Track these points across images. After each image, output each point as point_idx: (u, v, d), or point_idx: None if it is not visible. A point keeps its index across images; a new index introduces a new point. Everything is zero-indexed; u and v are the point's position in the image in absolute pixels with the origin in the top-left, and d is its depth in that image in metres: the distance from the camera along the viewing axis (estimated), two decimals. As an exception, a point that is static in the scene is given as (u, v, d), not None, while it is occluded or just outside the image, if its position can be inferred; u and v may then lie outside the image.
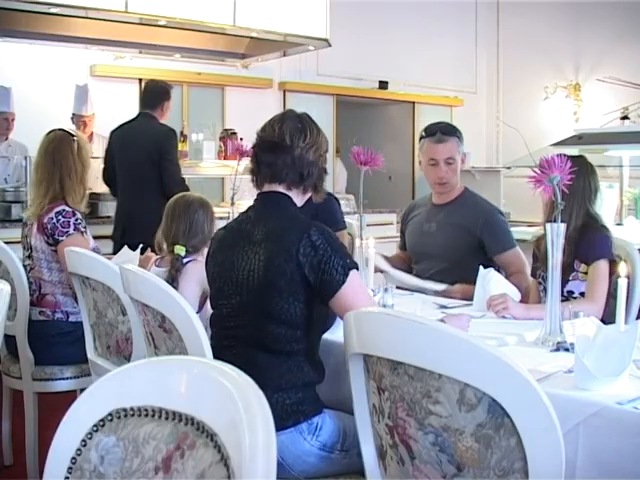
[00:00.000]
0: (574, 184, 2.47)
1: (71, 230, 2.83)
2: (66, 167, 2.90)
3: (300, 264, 1.82)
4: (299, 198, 2.03)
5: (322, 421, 1.88)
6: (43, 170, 2.93)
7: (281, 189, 1.99)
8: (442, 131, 2.96)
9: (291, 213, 1.97)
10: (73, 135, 2.99)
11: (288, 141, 1.96)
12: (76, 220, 2.86)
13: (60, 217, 2.83)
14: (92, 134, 5.25)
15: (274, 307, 1.85)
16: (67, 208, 2.87)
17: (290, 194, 2.00)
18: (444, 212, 3.02)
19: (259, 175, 2.01)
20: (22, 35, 5.31)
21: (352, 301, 1.82)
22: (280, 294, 1.84)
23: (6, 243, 3.04)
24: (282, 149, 1.96)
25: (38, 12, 4.72)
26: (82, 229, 2.87)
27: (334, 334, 2.07)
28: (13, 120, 5.09)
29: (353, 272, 1.86)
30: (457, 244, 2.94)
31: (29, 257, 2.94)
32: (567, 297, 2.50)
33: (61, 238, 2.82)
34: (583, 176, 2.53)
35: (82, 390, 1.11)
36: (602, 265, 2.43)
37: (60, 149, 2.92)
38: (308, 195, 2.06)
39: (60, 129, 3.02)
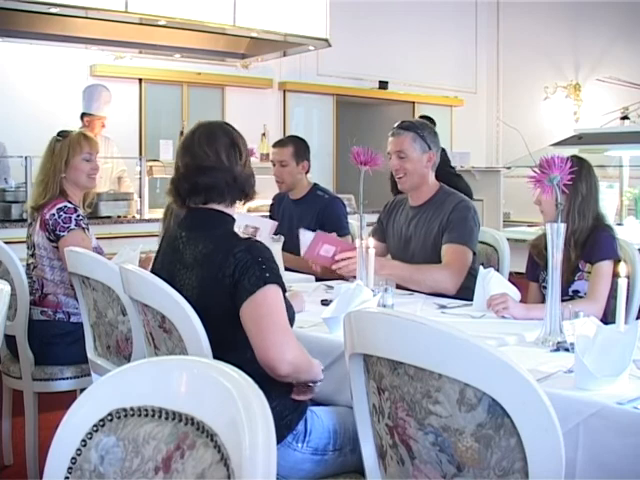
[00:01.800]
0: (586, 185, 2.49)
1: (72, 225, 2.83)
2: (42, 167, 2.98)
3: (227, 286, 1.75)
4: (233, 210, 1.95)
5: (311, 424, 1.85)
6: (38, 169, 3.03)
7: (218, 207, 1.90)
8: (400, 125, 2.95)
9: (219, 232, 1.87)
10: (63, 135, 3.01)
11: (226, 161, 1.87)
12: (77, 216, 2.86)
13: (62, 213, 2.84)
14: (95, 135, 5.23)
15: (214, 334, 1.78)
16: (69, 204, 2.88)
17: (226, 209, 1.92)
18: (420, 215, 2.94)
19: (189, 198, 1.91)
20: (22, 35, 5.31)
21: (261, 315, 1.71)
22: (217, 323, 1.78)
23: (6, 243, 3.04)
24: (219, 170, 1.87)
25: (38, 12, 4.73)
26: (84, 225, 2.88)
27: (333, 334, 2.08)
28: None
29: (272, 287, 1.73)
30: (436, 249, 2.84)
31: (32, 255, 2.95)
32: (572, 296, 2.50)
33: (62, 234, 2.82)
34: (591, 176, 2.54)
35: (82, 390, 1.11)
36: (605, 265, 2.43)
37: (45, 152, 3.01)
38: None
39: (60, 132, 3.06)
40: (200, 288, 1.80)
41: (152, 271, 2.00)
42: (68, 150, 2.95)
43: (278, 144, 3.70)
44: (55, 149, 2.96)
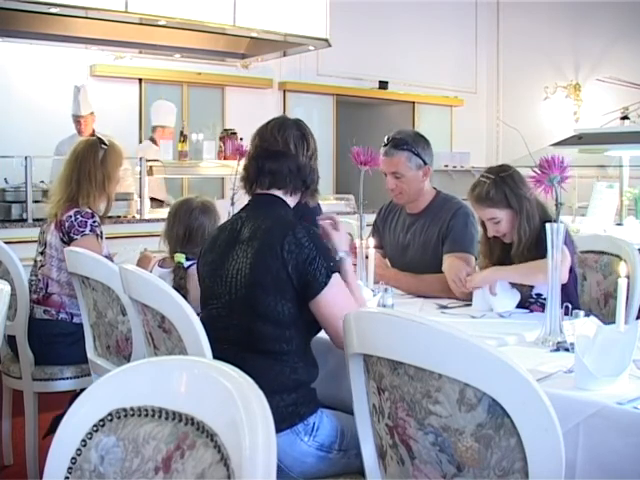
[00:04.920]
0: (524, 187, 2.40)
1: (87, 230, 2.84)
2: (84, 171, 2.94)
3: (285, 261, 1.82)
4: (293, 200, 2.05)
5: (319, 421, 1.88)
6: (64, 171, 3.00)
7: (279, 194, 2.00)
8: (393, 144, 2.85)
9: (280, 213, 1.98)
10: (104, 143, 3.02)
11: (293, 149, 1.99)
12: (94, 222, 2.87)
13: (78, 216, 2.85)
14: (93, 132, 5.25)
15: (261, 305, 1.85)
16: (87, 209, 2.89)
17: (286, 198, 2.02)
18: (418, 223, 2.91)
19: (256, 182, 2.01)
20: (22, 35, 5.31)
21: (333, 305, 1.84)
22: (267, 292, 1.84)
23: (6, 243, 3.04)
24: (287, 157, 1.98)
25: (38, 12, 4.72)
26: (98, 232, 2.88)
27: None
28: None
29: (336, 275, 1.87)
30: (436, 256, 2.82)
31: (42, 253, 2.95)
32: (536, 299, 2.48)
33: (76, 237, 2.83)
34: (521, 177, 2.44)
35: (82, 390, 1.11)
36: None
37: (84, 153, 2.98)
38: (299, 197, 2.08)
39: (96, 137, 3.10)
40: (254, 259, 1.86)
41: (199, 255, 2.09)
42: (120, 161, 3.03)
43: None
44: (103, 157, 2.98)
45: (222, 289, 1.92)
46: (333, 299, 1.84)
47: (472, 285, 2.48)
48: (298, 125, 2.06)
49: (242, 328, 1.88)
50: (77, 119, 5.32)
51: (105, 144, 3.01)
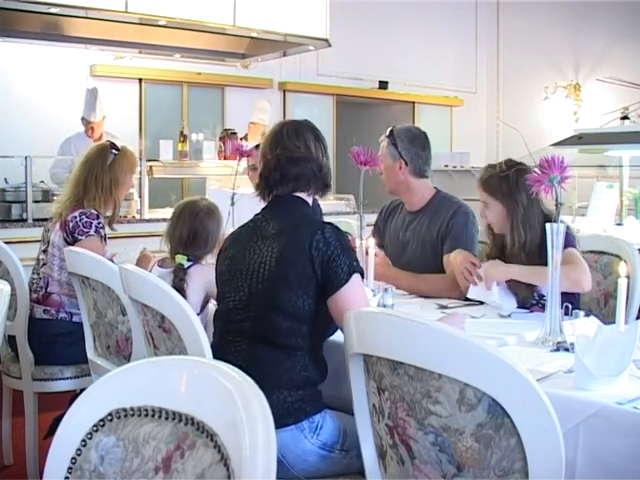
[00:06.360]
0: (525, 194, 2.36)
1: (92, 232, 2.85)
2: (92, 174, 2.96)
3: (312, 258, 1.86)
4: (310, 199, 2.10)
5: (323, 420, 1.89)
6: (74, 173, 3.02)
7: (301, 195, 2.06)
8: (389, 130, 2.94)
9: (305, 212, 2.05)
10: (116, 148, 3.03)
11: (314, 152, 2.05)
12: (98, 223, 2.88)
13: (84, 217, 2.86)
14: (102, 135, 5.28)
15: (282, 299, 1.87)
16: (92, 210, 2.89)
17: (307, 198, 2.07)
18: (417, 221, 2.92)
19: (279, 186, 2.05)
20: (22, 35, 5.31)
21: (350, 303, 1.84)
22: (289, 286, 1.87)
23: (6, 243, 3.05)
24: (309, 160, 2.04)
25: (38, 12, 4.72)
26: (102, 234, 2.89)
27: (334, 334, 2.08)
28: None
29: (357, 275, 1.90)
30: (435, 255, 2.82)
31: (44, 252, 2.95)
32: (538, 300, 2.47)
33: (80, 237, 2.84)
34: (517, 192, 2.42)
35: (82, 390, 1.11)
36: (571, 250, 2.30)
37: (93, 157, 3.00)
38: None
39: (110, 142, 3.11)
40: (280, 253, 1.91)
41: (219, 252, 2.12)
42: (130, 168, 3.05)
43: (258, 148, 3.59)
44: (112, 161, 2.99)
45: (242, 282, 1.95)
46: (351, 297, 1.87)
47: (491, 277, 2.39)
48: (310, 127, 2.11)
49: (259, 320, 1.91)
50: (89, 124, 5.36)
51: (117, 149, 3.02)
